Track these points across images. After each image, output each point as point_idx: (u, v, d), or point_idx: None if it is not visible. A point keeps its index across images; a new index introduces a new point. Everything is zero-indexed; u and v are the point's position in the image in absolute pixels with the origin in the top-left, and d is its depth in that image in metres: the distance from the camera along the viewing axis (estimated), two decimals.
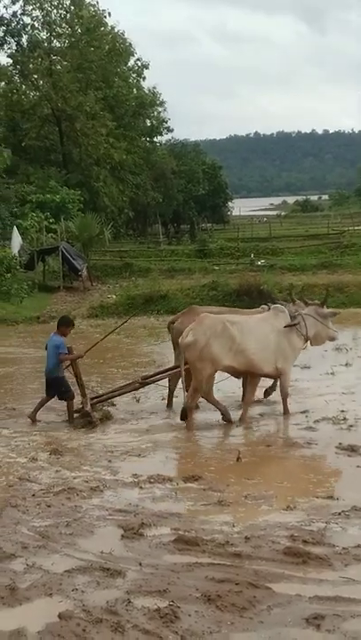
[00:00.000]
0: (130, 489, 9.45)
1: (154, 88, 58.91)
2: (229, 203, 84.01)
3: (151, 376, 14.17)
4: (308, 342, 13.31)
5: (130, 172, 54.31)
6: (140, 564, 7.07)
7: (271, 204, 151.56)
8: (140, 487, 9.48)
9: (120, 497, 9.15)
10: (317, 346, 13.91)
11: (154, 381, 14.01)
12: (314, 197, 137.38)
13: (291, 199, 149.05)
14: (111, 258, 40.33)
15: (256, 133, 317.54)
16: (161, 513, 8.53)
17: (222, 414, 12.64)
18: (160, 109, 60.06)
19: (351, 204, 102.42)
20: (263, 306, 14.01)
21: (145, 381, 13.89)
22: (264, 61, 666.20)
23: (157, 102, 59.31)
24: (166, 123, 60.86)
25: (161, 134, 62.76)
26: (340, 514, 8.35)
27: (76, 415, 13.06)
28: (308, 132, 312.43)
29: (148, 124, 60.33)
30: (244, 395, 13.49)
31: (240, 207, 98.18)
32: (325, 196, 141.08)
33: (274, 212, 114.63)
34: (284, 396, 13.02)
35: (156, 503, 8.92)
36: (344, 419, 12.47)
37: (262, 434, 12.15)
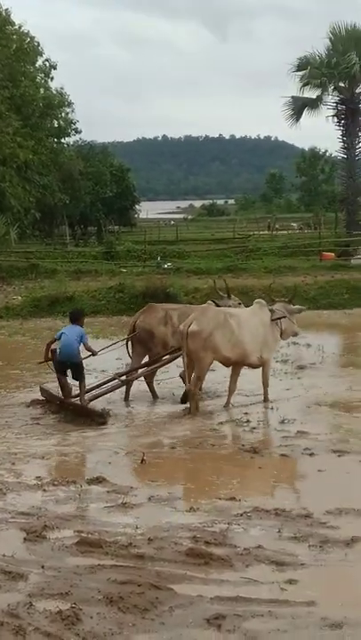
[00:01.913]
0: (33, 492, 9.40)
1: (62, 89, 58.48)
2: (137, 205, 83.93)
3: (127, 373, 14.57)
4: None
5: (37, 173, 53.78)
6: (43, 567, 7.03)
7: (178, 208, 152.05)
8: (44, 490, 9.44)
9: (23, 500, 9.09)
10: (283, 340, 15.01)
11: (135, 378, 14.47)
12: (220, 201, 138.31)
13: (197, 203, 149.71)
14: (17, 259, 39.78)
15: (164, 137, 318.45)
16: (64, 515, 8.52)
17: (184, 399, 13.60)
18: (68, 110, 59.67)
19: (257, 208, 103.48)
20: (210, 302, 15.02)
21: (126, 379, 14.31)
22: (168, 66, 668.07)
23: (65, 103, 58.88)
24: (74, 124, 60.52)
25: (69, 135, 62.31)
26: (241, 515, 8.47)
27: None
28: (215, 136, 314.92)
29: (56, 125, 59.84)
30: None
31: (147, 210, 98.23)
32: (232, 201, 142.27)
33: (181, 216, 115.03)
34: (266, 383, 14.02)
35: (60, 506, 8.90)
36: (247, 421, 12.65)
37: (167, 435, 12.21)
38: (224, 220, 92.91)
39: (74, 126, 59.94)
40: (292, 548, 7.56)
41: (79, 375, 13.53)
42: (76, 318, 13.94)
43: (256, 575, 6.93)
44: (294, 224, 70.03)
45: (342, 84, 43.77)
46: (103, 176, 66.59)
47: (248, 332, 13.47)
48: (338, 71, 42.46)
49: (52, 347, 13.75)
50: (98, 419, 12.91)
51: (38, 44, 54.84)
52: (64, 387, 13.58)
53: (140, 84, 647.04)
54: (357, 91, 43.96)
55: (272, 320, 13.97)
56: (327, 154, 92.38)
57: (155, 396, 14.61)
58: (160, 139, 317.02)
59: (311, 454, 10.84)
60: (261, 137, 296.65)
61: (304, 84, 43.72)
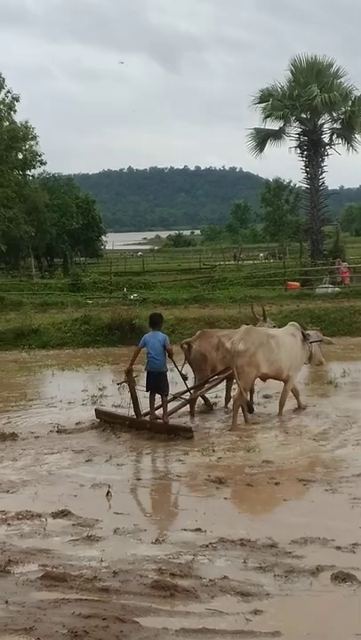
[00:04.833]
0: None
1: (26, 122, 58.57)
2: (103, 237, 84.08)
3: (188, 391, 15.26)
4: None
5: (2, 206, 53.79)
6: (7, 602, 6.97)
7: (144, 239, 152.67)
8: (8, 524, 9.36)
9: None
10: (309, 364, 16.21)
11: (198, 395, 15.42)
12: (186, 232, 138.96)
13: (164, 234, 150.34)
14: None
15: (129, 168, 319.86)
16: (29, 549, 8.44)
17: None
18: (32, 143, 59.70)
19: (222, 239, 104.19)
20: (244, 326, 15.68)
21: (190, 398, 15.11)
22: (125, 98, 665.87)
23: (30, 136, 58.92)
24: (40, 156, 60.54)
25: (34, 167, 62.32)
26: (207, 546, 8.45)
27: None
28: (180, 167, 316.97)
29: (21, 158, 59.83)
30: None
31: (113, 241, 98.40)
32: (198, 231, 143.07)
33: (147, 247, 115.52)
34: (284, 399, 15.17)
35: (24, 540, 8.83)
36: (213, 450, 12.64)
37: (132, 467, 12.18)
38: (190, 250, 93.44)
39: (39, 158, 59.88)
40: (258, 578, 7.55)
41: (164, 387, 13.98)
42: (156, 322, 14.38)
43: (221, 606, 6.91)
44: (261, 254, 70.55)
45: (304, 116, 44.40)
46: (69, 208, 66.77)
47: (284, 351, 14.66)
48: (300, 103, 43.10)
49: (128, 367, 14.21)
50: (185, 433, 13.36)
51: (1, 77, 54.79)
52: (137, 406, 13.98)
53: (99, 117, 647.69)
54: (319, 122, 44.60)
55: (310, 342, 15.36)
56: (291, 184, 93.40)
57: (209, 406, 15.80)
58: (125, 170, 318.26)
59: (277, 483, 10.85)
60: (227, 168, 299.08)
61: (267, 116, 44.20)
